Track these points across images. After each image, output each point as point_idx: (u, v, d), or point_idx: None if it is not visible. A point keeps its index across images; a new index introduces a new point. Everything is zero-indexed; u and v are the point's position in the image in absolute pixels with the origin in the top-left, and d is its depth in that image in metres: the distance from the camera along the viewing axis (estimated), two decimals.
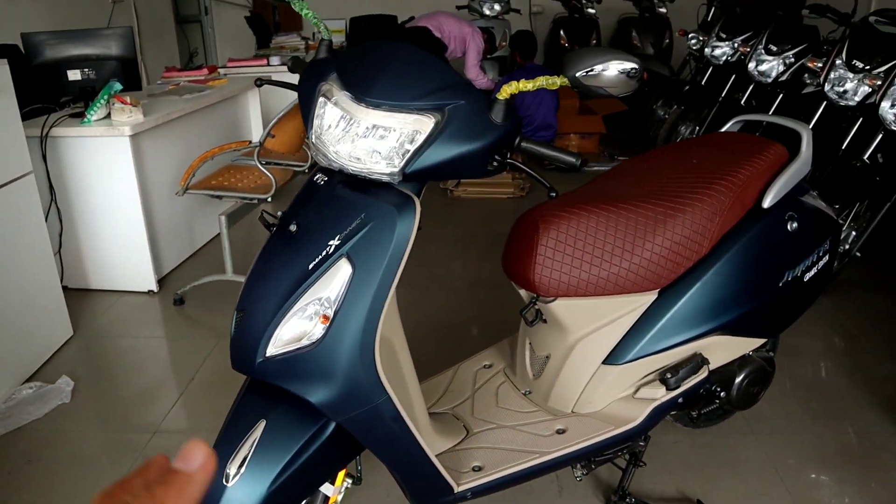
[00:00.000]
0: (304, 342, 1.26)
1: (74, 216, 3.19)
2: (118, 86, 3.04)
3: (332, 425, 1.34)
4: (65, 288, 3.19)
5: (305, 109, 1.38)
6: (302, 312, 1.26)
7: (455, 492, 1.51)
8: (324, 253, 1.27)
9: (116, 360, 2.75)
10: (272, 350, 1.27)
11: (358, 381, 1.27)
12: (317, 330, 1.26)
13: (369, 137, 1.27)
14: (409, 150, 1.26)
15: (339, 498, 1.56)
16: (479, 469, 1.57)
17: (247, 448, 1.29)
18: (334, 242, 1.27)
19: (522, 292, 1.73)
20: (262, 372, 1.29)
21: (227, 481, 1.26)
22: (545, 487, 1.97)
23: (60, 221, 3.16)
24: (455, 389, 1.86)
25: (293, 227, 1.32)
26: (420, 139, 1.25)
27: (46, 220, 2.86)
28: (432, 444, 1.52)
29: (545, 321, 1.72)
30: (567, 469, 1.92)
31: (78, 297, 3.24)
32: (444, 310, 3.08)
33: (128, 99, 3.05)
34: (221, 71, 4.72)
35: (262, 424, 1.31)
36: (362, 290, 1.25)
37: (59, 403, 2.42)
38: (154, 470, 0.45)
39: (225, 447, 1.31)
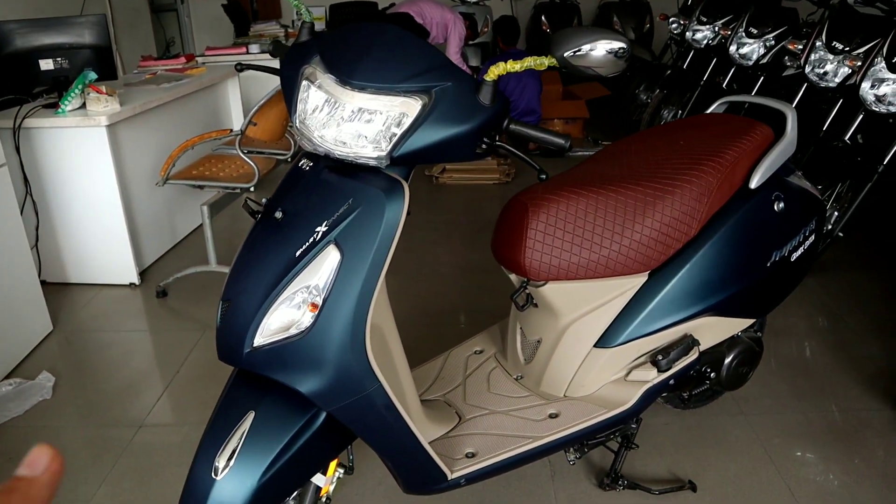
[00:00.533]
0: (293, 331, 1.23)
1: (51, 209, 3.13)
2: (93, 75, 2.98)
3: (323, 415, 1.32)
4: (43, 282, 3.13)
5: (288, 94, 1.34)
6: (289, 301, 1.24)
7: (448, 479, 1.49)
8: (311, 239, 1.24)
9: (98, 354, 2.70)
10: (260, 340, 1.25)
11: (348, 369, 1.25)
12: (305, 318, 1.23)
13: (355, 121, 1.24)
14: (396, 134, 1.23)
15: (331, 488, 1.54)
16: (473, 455, 1.56)
17: (235, 440, 1.26)
18: (321, 229, 1.24)
19: (513, 277, 1.71)
20: (250, 362, 1.26)
21: (216, 475, 1.24)
22: (538, 472, 1.96)
23: (37, 214, 3.09)
24: (446, 376, 1.84)
25: (279, 214, 1.30)
26: (407, 122, 1.23)
27: (22, 214, 2.80)
28: (425, 431, 1.50)
29: (536, 305, 1.70)
30: (560, 453, 1.92)
31: (57, 291, 3.19)
32: (433, 296, 3.06)
33: (103, 88, 2.98)
34: (199, 59, 4.65)
35: (250, 416, 1.28)
36: (351, 276, 1.22)
37: (39, 400, 2.37)
38: None
39: (213, 440, 1.28)
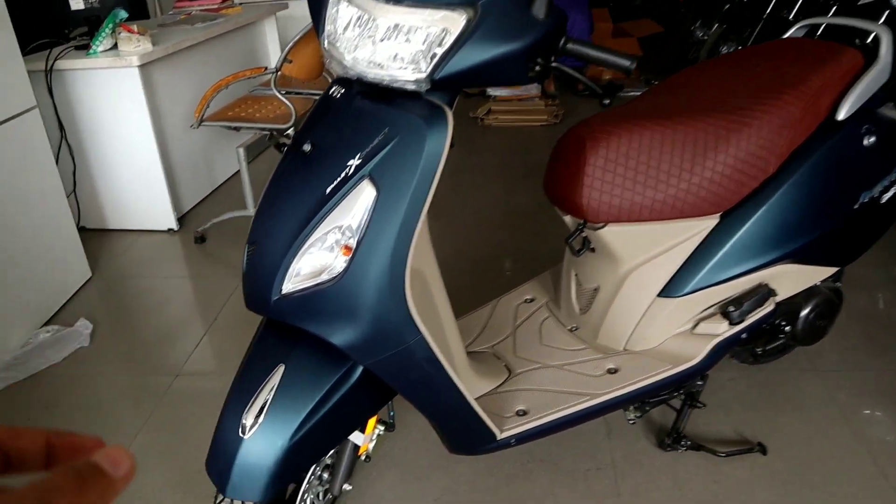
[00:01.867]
0: (325, 277, 1.10)
1: (87, 154, 3.05)
2: (123, 13, 2.85)
3: (360, 369, 1.20)
4: (83, 229, 3.10)
5: (315, 11, 1.19)
6: (320, 243, 1.10)
7: (497, 438, 1.37)
8: (343, 174, 1.10)
9: (137, 301, 2.64)
10: (289, 286, 1.12)
11: (386, 319, 1.12)
12: (338, 262, 1.10)
13: (391, 40, 1.08)
14: (437, 54, 1.07)
15: (371, 446, 1.44)
16: (524, 413, 1.43)
17: (264, 396, 1.15)
18: (354, 162, 1.10)
19: (567, 219, 1.55)
20: (279, 311, 1.14)
21: (243, 433, 1.13)
22: (592, 429, 1.83)
23: (73, 159, 3.02)
24: (494, 326, 1.70)
25: (307, 147, 1.16)
26: (450, 40, 1.06)
27: (58, 161, 2.73)
28: (471, 386, 1.37)
29: (593, 250, 1.55)
30: (615, 413, 1.79)
31: (96, 237, 3.14)
32: (478, 241, 2.91)
33: (134, 28, 2.86)
34: (236, 0, 4.49)
35: (280, 369, 1.17)
36: (388, 215, 1.08)
37: (77, 347, 2.33)
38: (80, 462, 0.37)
39: (240, 395, 1.17)
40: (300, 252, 1.11)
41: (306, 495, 1.37)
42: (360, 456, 1.44)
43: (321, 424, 1.16)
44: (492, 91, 4.87)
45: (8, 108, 2.34)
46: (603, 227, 1.47)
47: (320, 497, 1.43)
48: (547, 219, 2.93)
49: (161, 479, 1.79)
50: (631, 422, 1.64)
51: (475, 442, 1.37)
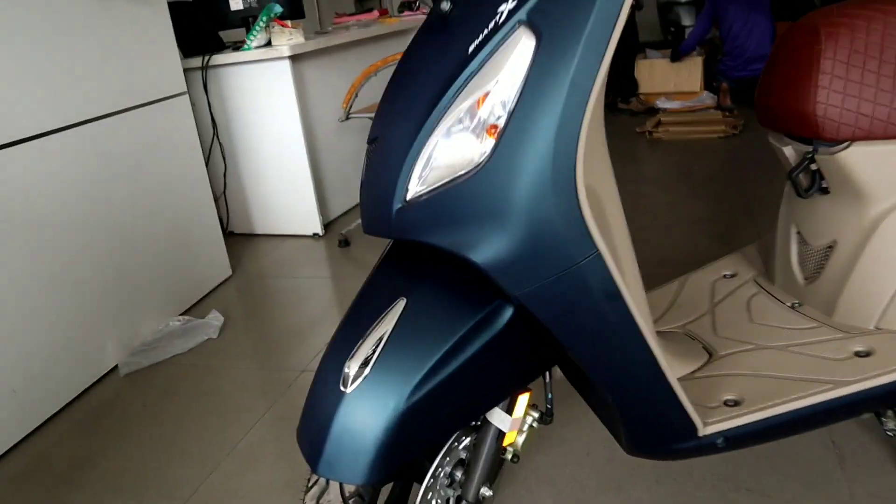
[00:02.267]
0: (465, 168, 0.79)
1: (237, 156, 2.99)
2: (278, 8, 2.79)
3: (509, 311, 0.86)
4: (231, 233, 3.05)
5: None
6: (457, 123, 0.80)
7: (699, 434, 0.97)
8: (491, 24, 0.80)
9: (272, 299, 2.47)
10: (416, 188, 0.82)
11: (547, 223, 0.77)
12: (482, 147, 0.78)
13: None
14: None
15: (521, 440, 1.08)
16: (735, 403, 1.02)
17: (375, 337, 0.84)
18: (507, 6, 0.79)
19: (788, 150, 1.16)
20: (402, 226, 0.84)
21: (344, 386, 0.83)
22: (816, 455, 1.36)
23: (224, 160, 2.98)
24: (684, 304, 1.31)
25: (445, 6, 0.87)
26: None
27: (208, 161, 2.67)
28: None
29: (826, 190, 1.13)
30: (847, 434, 1.33)
31: (242, 241, 3.07)
32: (652, 247, 2.50)
33: (288, 23, 2.80)
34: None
35: (400, 304, 0.86)
36: (553, 73, 0.75)
37: (205, 338, 2.17)
38: None
39: (346, 336, 0.88)
40: (430, 138, 0.81)
41: (430, 494, 1.03)
42: (505, 450, 1.09)
43: (450, 384, 0.83)
44: (661, 104, 4.45)
45: (159, 90, 2.29)
46: (846, 147, 1.06)
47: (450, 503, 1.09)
48: (727, 225, 2.49)
49: (270, 477, 1.53)
50: (890, 433, 1.17)
51: (667, 437, 0.97)
